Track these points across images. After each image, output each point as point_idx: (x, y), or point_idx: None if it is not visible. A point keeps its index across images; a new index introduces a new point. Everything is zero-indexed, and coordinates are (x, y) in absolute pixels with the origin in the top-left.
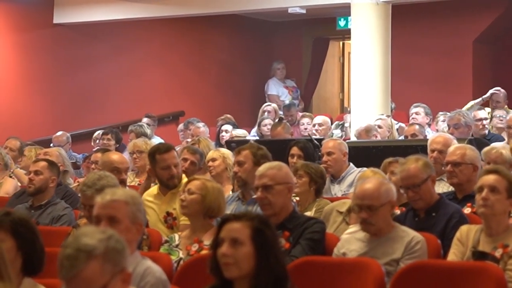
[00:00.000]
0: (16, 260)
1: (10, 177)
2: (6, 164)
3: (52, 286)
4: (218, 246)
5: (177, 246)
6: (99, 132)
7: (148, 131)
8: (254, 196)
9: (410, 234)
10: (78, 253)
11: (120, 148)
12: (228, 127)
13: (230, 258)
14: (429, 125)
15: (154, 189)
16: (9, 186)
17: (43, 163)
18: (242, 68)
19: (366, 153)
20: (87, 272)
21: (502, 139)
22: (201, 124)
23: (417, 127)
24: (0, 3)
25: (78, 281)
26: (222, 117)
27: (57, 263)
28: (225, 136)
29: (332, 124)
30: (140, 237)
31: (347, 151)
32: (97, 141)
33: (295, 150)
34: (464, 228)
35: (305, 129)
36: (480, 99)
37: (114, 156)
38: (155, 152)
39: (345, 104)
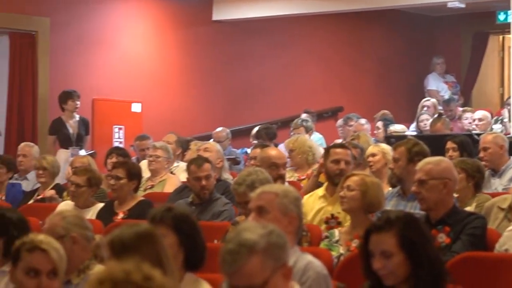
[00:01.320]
0: (178, 255)
1: (172, 173)
2: (170, 161)
3: (213, 280)
4: (368, 256)
5: (337, 241)
6: (257, 128)
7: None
8: None
9: None
10: (239, 248)
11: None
12: (379, 124)
13: (384, 270)
14: None
15: (320, 190)
16: (173, 184)
17: (207, 165)
18: (400, 64)
19: None
20: (249, 267)
21: None
22: (363, 121)
23: None
24: (161, 1)
25: (239, 275)
26: (380, 113)
27: (218, 257)
28: (377, 133)
29: (492, 119)
30: (298, 231)
31: (504, 144)
32: (254, 138)
33: (449, 144)
34: None
35: (469, 123)
36: None
37: (272, 151)
38: (331, 146)
39: (505, 99)
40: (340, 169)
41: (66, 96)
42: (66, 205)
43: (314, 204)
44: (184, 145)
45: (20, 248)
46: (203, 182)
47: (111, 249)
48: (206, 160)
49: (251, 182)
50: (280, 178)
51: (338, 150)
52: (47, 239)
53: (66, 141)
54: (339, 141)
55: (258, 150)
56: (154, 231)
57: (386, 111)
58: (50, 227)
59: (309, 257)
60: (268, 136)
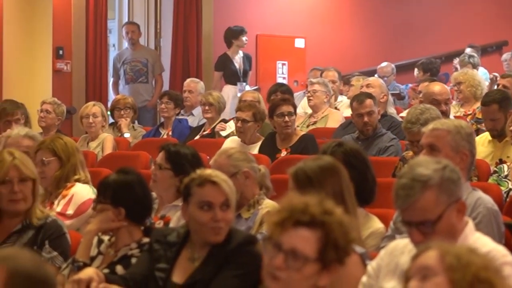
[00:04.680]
0: None
1: (336, 108)
2: (329, 95)
3: (383, 215)
4: None
5: (506, 176)
6: (421, 62)
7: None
8: None
9: None
10: (413, 183)
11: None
12: None
13: None
14: None
15: (488, 134)
16: (335, 119)
17: (369, 101)
18: None
19: None
20: (423, 202)
21: None
22: None
23: None
24: None
25: (413, 210)
26: None
27: (392, 193)
28: None
29: None
30: (469, 167)
31: None
32: (418, 72)
33: None
34: None
35: None
36: None
37: (435, 87)
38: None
39: None
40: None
41: (235, 33)
42: (232, 141)
43: (483, 147)
44: (346, 80)
45: (190, 184)
46: (365, 119)
47: (295, 182)
48: (369, 96)
49: (424, 121)
50: (443, 114)
51: None
52: (215, 173)
53: (232, 77)
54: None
55: (425, 84)
56: (337, 165)
57: None
58: (218, 167)
59: (479, 193)
60: (431, 70)
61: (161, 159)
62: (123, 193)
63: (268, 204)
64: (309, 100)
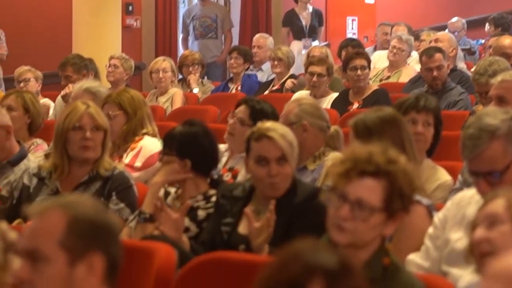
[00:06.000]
0: (427, 143)
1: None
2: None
3: (452, 168)
4: None
5: None
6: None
7: None
8: None
9: None
10: (480, 132)
11: None
12: None
13: None
14: None
15: None
16: (408, 74)
17: (438, 55)
18: None
19: None
20: (490, 152)
21: None
22: None
23: None
24: None
25: (480, 160)
26: None
27: (459, 143)
28: None
29: None
30: None
31: None
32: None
33: None
34: None
35: None
36: None
37: (505, 40)
38: None
39: None
40: None
41: None
42: (301, 94)
43: None
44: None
45: (250, 138)
46: (435, 73)
47: (355, 132)
48: (438, 50)
49: (493, 72)
50: None
51: None
52: (274, 126)
53: (299, 33)
54: None
55: (494, 39)
56: (397, 115)
57: None
58: (285, 113)
59: None
60: (503, 25)
61: (243, 114)
62: (189, 145)
63: (334, 156)
64: (393, 54)
